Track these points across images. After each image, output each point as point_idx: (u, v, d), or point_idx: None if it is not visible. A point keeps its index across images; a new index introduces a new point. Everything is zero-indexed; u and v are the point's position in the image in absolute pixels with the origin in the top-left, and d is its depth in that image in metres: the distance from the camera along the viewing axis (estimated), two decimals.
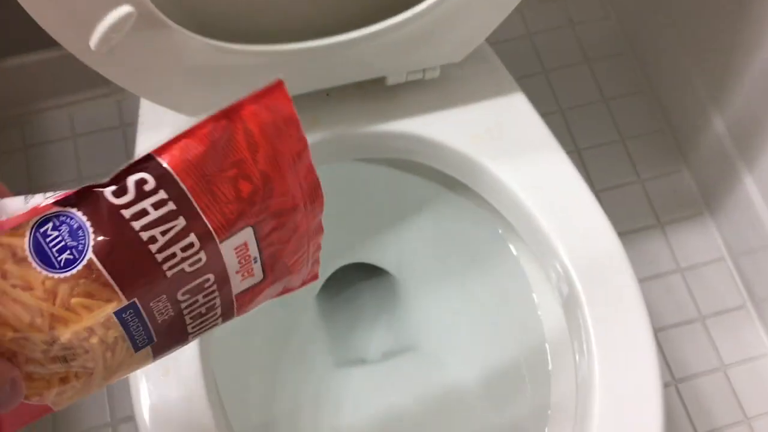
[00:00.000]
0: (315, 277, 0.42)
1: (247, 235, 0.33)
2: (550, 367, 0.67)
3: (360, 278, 0.80)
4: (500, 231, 0.70)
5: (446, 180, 0.69)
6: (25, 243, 0.29)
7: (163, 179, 0.29)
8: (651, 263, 0.96)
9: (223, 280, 0.34)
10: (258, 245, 0.34)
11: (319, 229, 0.39)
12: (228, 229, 0.32)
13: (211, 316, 0.36)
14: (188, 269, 0.32)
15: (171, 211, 0.30)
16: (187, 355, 0.53)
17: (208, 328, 0.37)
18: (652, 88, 1.06)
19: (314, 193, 0.36)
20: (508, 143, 0.61)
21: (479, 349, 0.69)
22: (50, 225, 0.29)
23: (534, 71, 1.07)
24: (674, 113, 1.03)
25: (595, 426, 0.51)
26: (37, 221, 0.29)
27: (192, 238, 0.31)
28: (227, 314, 0.37)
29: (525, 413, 0.65)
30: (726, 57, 0.90)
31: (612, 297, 0.55)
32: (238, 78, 0.54)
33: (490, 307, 0.70)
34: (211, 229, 0.31)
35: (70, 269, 0.29)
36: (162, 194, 0.30)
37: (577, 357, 0.56)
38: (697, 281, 0.96)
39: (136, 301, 0.31)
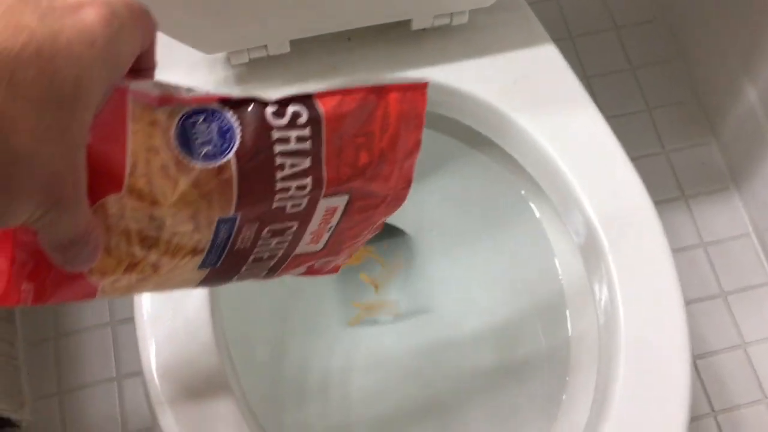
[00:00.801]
0: (336, 269, 0.46)
1: (341, 201, 0.36)
2: (569, 332, 0.64)
3: (375, 238, 0.78)
4: (523, 192, 0.68)
5: (469, 136, 0.66)
6: (172, 126, 0.29)
7: (314, 120, 0.32)
8: (674, 236, 0.94)
9: (299, 234, 0.36)
10: (340, 216, 0.37)
11: (378, 227, 0.42)
12: (335, 187, 0.34)
13: (263, 267, 0.38)
14: (288, 209, 0.34)
15: (305, 150, 0.32)
16: (195, 303, 0.51)
17: (248, 278, 0.39)
18: (682, 56, 1.02)
19: (400, 194, 0.39)
20: (537, 95, 0.58)
21: (497, 310, 0.67)
22: (202, 117, 0.30)
23: (560, 36, 1.03)
24: (704, 83, 1.00)
25: (618, 386, 0.48)
26: (190, 111, 0.30)
27: (308, 181, 0.33)
28: (272, 271, 0.39)
29: (542, 374, 0.63)
30: (761, 23, 0.87)
31: (637, 249, 0.53)
32: (252, 12, 0.51)
33: (509, 268, 0.68)
34: (324, 180, 0.34)
35: (208, 162, 0.30)
36: (307, 132, 0.32)
37: (601, 303, 0.53)
38: (720, 257, 0.93)
39: (239, 217, 0.32)
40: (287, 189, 0.33)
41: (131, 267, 0.32)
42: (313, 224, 0.36)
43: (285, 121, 0.31)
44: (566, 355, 0.63)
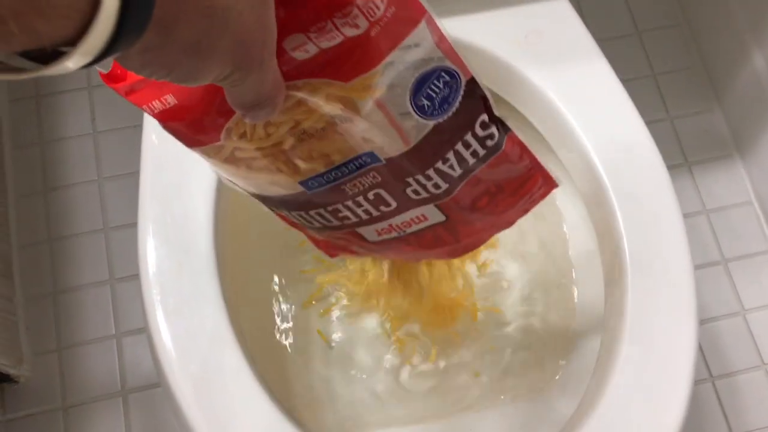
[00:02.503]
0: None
1: (436, 218, 0.39)
2: (575, 299, 0.64)
3: None
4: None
5: None
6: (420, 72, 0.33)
7: (493, 149, 0.36)
8: None
9: (384, 217, 0.37)
10: (420, 230, 0.40)
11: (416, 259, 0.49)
12: (447, 205, 0.38)
13: (330, 220, 0.39)
14: (407, 191, 0.36)
15: (467, 163, 0.36)
16: (200, 251, 0.51)
17: (313, 221, 0.39)
18: (688, 20, 1.01)
19: (465, 249, 0.44)
20: (548, 50, 0.57)
21: (503, 269, 0.67)
22: (447, 78, 0.33)
23: None
24: (710, 48, 0.99)
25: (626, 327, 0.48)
26: (444, 66, 0.33)
27: (444, 186, 0.36)
28: (328, 228, 0.40)
29: (546, 342, 0.63)
30: None
31: (645, 202, 0.52)
32: None
33: (516, 232, 0.67)
34: (451, 194, 0.37)
35: (419, 114, 0.33)
36: (482, 152, 0.36)
37: (608, 263, 0.53)
38: (722, 224, 0.93)
39: (382, 162, 0.34)
40: (429, 178, 0.35)
41: (268, 148, 0.33)
42: (399, 219, 0.37)
43: (480, 133, 0.34)
44: (571, 322, 0.63)
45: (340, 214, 0.37)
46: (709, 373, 0.86)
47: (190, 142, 0.34)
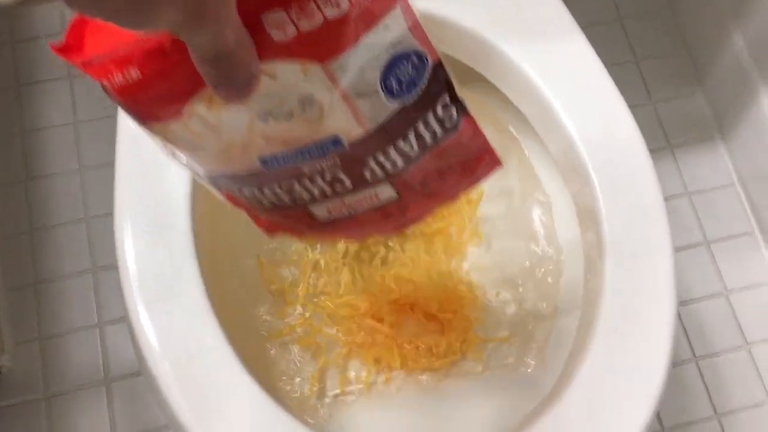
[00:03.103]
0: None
1: (388, 195, 0.39)
2: (563, 277, 0.64)
3: None
4: (511, 129, 0.67)
5: (454, 71, 0.65)
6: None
7: (450, 131, 0.36)
8: None
9: (340, 193, 0.37)
10: (371, 209, 0.39)
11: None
12: (402, 183, 0.38)
13: (283, 197, 0.38)
14: (364, 171, 0.36)
15: (424, 142, 0.36)
16: (179, 230, 0.50)
17: (266, 197, 0.38)
18: (670, 5, 1.02)
19: (411, 222, 0.43)
20: (525, 25, 0.57)
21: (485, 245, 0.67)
22: (416, 60, 0.33)
23: None
24: (692, 32, 0.99)
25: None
26: (414, 50, 0.32)
27: (401, 164, 0.36)
28: (277, 208, 0.39)
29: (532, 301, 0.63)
30: None
31: (626, 181, 0.52)
32: None
33: (497, 206, 0.67)
34: (405, 174, 0.37)
35: (387, 95, 0.33)
36: (439, 132, 0.36)
37: (587, 236, 0.53)
38: (704, 206, 0.93)
39: (345, 145, 0.34)
40: (388, 157, 0.35)
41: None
42: (353, 197, 0.37)
43: (441, 114, 0.34)
44: (554, 300, 0.63)
45: (295, 193, 0.37)
46: (692, 353, 0.86)
47: (148, 116, 0.33)
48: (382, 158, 0.36)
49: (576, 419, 0.48)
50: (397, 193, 0.38)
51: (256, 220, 0.42)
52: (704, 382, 0.85)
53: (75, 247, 0.87)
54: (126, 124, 0.54)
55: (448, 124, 0.35)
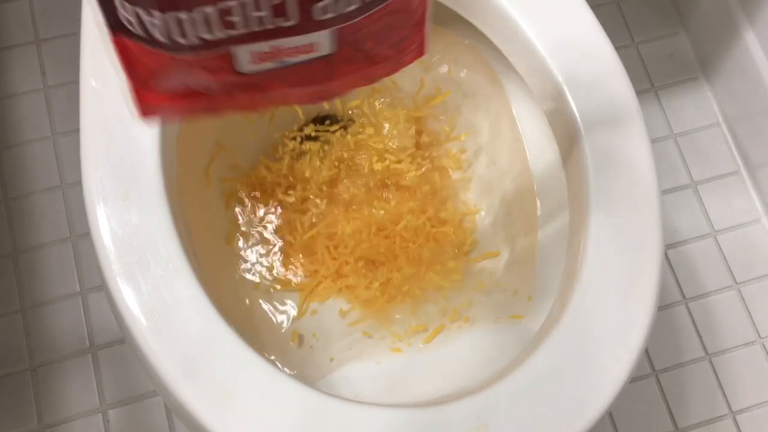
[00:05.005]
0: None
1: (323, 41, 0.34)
2: (539, 212, 0.63)
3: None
4: (493, 68, 0.65)
5: (437, 14, 0.63)
6: None
7: None
8: None
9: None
10: (310, 60, 0.35)
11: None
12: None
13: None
14: None
15: None
16: (147, 180, 0.49)
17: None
18: None
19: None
20: None
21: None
22: None
23: None
24: None
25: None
26: None
27: None
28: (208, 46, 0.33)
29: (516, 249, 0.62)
30: None
31: (609, 117, 0.51)
32: None
33: (479, 147, 0.66)
34: None
35: None
36: None
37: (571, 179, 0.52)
38: (690, 147, 0.92)
39: None
40: None
41: None
42: (290, 42, 0.33)
43: None
44: (534, 248, 0.62)
45: (229, 18, 0.32)
46: (682, 295, 0.86)
47: None
48: None
49: (566, 359, 0.48)
50: (334, 48, 0.34)
51: (141, 88, 0.36)
52: (694, 324, 0.85)
53: (52, 216, 0.85)
54: (88, 84, 0.52)
55: None
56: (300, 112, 0.67)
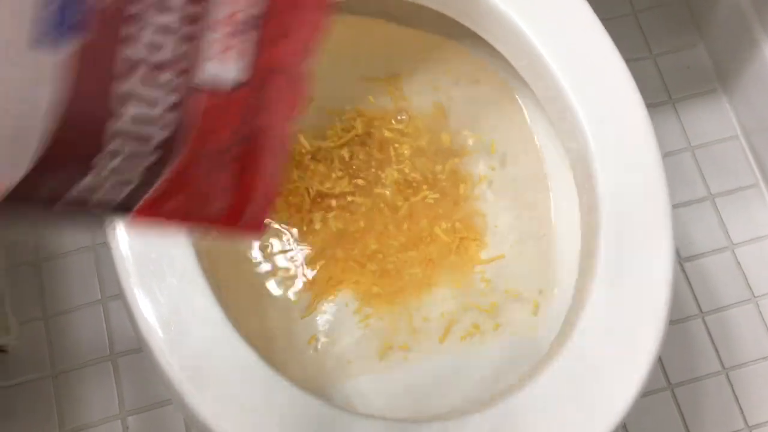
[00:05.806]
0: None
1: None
2: (552, 220, 0.64)
3: None
4: (509, 83, 0.66)
5: (450, 30, 0.64)
6: None
7: None
8: (661, 141, 0.90)
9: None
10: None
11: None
12: None
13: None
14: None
15: None
16: None
17: None
18: None
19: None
20: None
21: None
22: None
23: None
24: None
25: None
26: None
27: None
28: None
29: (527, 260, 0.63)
30: None
31: (623, 148, 0.51)
32: None
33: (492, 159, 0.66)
34: None
35: None
36: None
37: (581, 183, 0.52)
38: (708, 159, 0.92)
39: None
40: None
41: None
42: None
43: None
44: (551, 251, 0.63)
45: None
46: (699, 309, 0.85)
47: None
48: None
49: (576, 375, 0.48)
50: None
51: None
52: (711, 338, 0.84)
53: None
54: None
55: None
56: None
